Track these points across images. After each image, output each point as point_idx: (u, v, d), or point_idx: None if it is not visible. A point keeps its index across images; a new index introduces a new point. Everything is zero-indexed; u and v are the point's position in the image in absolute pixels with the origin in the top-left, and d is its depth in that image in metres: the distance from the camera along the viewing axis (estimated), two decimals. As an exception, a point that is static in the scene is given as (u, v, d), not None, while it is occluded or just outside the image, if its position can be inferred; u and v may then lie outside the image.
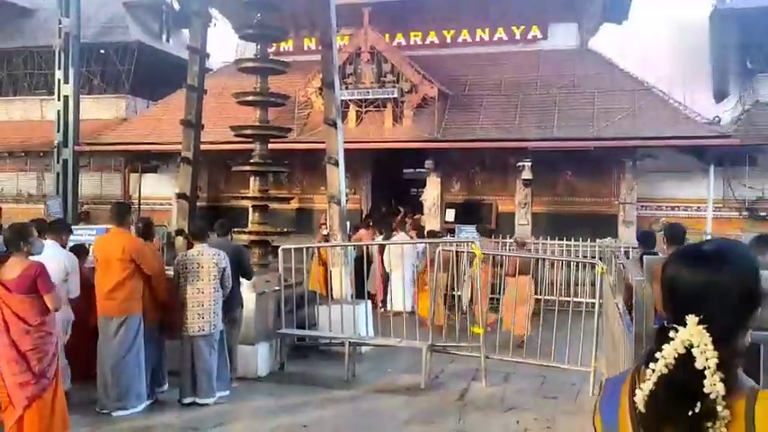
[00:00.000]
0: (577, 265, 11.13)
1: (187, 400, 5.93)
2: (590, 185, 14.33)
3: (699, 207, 13.97)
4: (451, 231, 13.96)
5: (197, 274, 6.00)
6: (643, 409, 1.26)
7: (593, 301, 7.17)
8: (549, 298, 9.11)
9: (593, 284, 8.16)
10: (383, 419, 5.94)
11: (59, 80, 16.05)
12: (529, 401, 6.35)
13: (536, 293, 9.50)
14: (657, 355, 1.25)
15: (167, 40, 21.15)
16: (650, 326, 2.66)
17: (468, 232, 13.23)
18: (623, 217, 13.84)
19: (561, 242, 12.17)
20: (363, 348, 7.97)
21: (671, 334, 1.25)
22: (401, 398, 6.50)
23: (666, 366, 1.23)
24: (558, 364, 6.89)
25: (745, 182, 13.62)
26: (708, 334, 1.22)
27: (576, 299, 9.49)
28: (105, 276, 5.76)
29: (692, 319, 1.23)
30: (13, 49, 19.52)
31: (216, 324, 6.03)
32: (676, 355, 1.22)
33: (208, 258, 6.07)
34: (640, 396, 1.26)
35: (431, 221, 14.54)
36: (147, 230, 6.31)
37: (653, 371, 1.25)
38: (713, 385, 1.19)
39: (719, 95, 16.73)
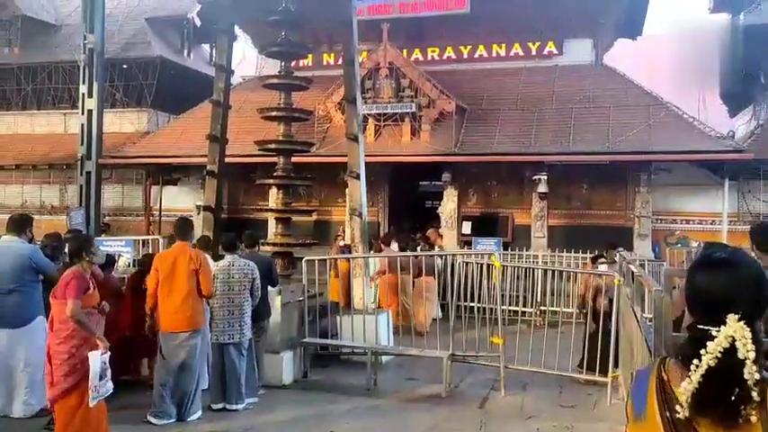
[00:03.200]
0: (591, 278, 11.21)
1: (217, 406, 6.13)
2: (605, 199, 14.47)
3: (713, 221, 14.06)
4: (468, 244, 14.15)
5: (228, 284, 6.22)
6: (687, 401, 1.45)
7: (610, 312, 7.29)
8: (566, 310, 9.25)
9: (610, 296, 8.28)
10: (407, 427, 6.10)
11: (83, 94, 16.44)
12: (548, 410, 6.48)
13: (553, 306, 9.66)
14: (702, 351, 1.44)
15: (188, 55, 21.60)
16: (669, 334, 2.83)
17: (486, 244, 13.42)
18: (638, 230, 13.95)
19: (577, 255, 12.29)
20: (384, 357, 8.15)
21: (713, 332, 1.44)
22: (423, 406, 6.66)
23: (713, 360, 1.43)
24: (575, 374, 7.03)
25: (760, 196, 13.70)
26: (748, 329, 1.42)
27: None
28: (172, 291, 5.79)
29: (732, 317, 1.43)
30: (39, 64, 20.02)
31: (245, 332, 6.24)
32: (721, 350, 1.42)
33: (239, 269, 6.29)
34: (688, 388, 1.45)
35: (448, 234, 14.72)
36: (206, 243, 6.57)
37: (697, 366, 1.44)
38: (751, 373, 1.39)
39: (734, 110, 16.84)
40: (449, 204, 15.03)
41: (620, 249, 8.63)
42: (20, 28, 20.49)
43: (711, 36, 18.57)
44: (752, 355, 1.40)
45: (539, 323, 9.88)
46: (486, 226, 14.72)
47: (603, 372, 6.75)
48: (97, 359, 4.54)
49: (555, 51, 16.20)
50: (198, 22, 20.88)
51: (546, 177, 13.84)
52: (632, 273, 5.57)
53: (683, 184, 14.08)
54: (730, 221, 14.02)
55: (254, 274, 6.37)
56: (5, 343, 5.57)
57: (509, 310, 9.78)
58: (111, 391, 4.76)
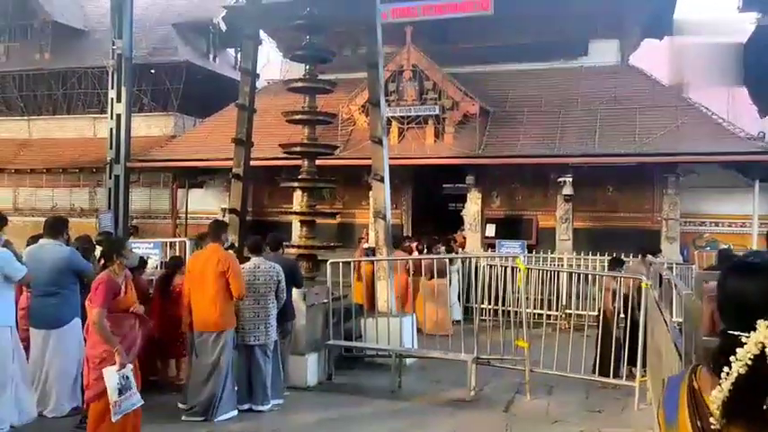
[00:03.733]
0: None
1: (243, 407, 6.19)
2: (632, 201, 14.30)
3: (744, 223, 13.80)
4: (492, 246, 14.08)
5: (254, 286, 6.28)
6: (719, 409, 1.43)
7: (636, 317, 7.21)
8: (592, 313, 9.17)
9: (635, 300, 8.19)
10: (431, 431, 6.09)
11: (112, 99, 16.68)
12: (574, 415, 6.43)
13: (579, 309, 9.57)
14: (732, 358, 1.43)
15: (214, 60, 21.87)
16: (700, 338, 2.79)
17: (510, 247, 13.35)
18: (666, 233, 13.76)
19: (603, 258, 12.15)
20: (408, 360, 8.15)
21: (743, 339, 1.42)
22: (447, 410, 6.64)
23: (743, 367, 1.41)
24: (602, 378, 6.96)
25: (792, 198, 13.44)
26: None
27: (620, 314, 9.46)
28: (201, 292, 5.94)
29: (763, 323, 1.41)
30: (69, 70, 20.42)
31: (271, 334, 6.29)
32: (751, 356, 1.40)
33: (264, 271, 6.35)
34: (718, 396, 1.43)
35: (471, 237, 14.68)
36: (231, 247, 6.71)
37: (728, 373, 1.42)
38: None
39: (764, 110, 16.53)
40: (472, 207, 14.98)
41: (659, 255, 8.54)
42: (50, 34, 20.94)
43: (740, 35, 18.24)
44: None
45: (564, 326, 9.81)
46: (510, 228, 14.64)
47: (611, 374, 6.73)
48: (113, 375, 4.54)
49: (580, 52, 16.04)
50: (223, 27, 21.13)
51: (571, 179, 13.72)
52: (661, 276, 5.50)
53: (712, 185, 13.85)
54: (761, 224, 13.73)
55: (279, 276, 6.42)
56: (42, 343, 5.69)
57: (534, 314, 9.73)
58: (139, 404, 4.73)
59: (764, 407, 1.38)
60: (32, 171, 19.73)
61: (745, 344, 1.40)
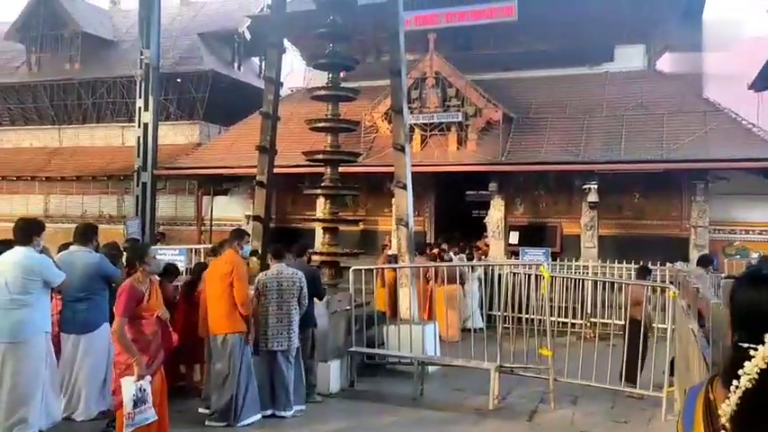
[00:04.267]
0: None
1: (266, 412, 6.22)
2: (659, 208, 14.09)
3: (775, 231, 13.51)
4: (516, 254, 13.98)
5: (277, 292, 6.32)
6: (728, 423, 1.40)
7: (664, 326, 7.11)
8: (617, 322, 9.03)
9: (663, 309, 8.06)
10: (454, 438, 6.05)
11: (140, 108, 16.94)
12: (599, 425, 6.33)
13: (604, 318, 9.44)
14: (740, 371, 1.39)
15: (239, 68, 22.13)
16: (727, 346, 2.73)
17: (534, 255, 13.24)
18: (695, 240, 13.52)
19: (630, 266, 11.99)
20: (430, 368, 8.11)
21: (751, 352, 1.39)
22: (470, 418, 6.59)
23: (750, 381, 1.37)
24: (628, 388, 6.84)
25: (825, 205, 13.11)
26: None
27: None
28: (210, 296, 6.13)
29: None
30: (98, 79, 20.81)
31: (293, 340, 6.32)
32: (759, 370, 1.36)
33: (287, 277, 6.40)
34: (726, 410, 1.40)
35: (495, 244, 14.59)
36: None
37: (737, 387, 1.39)
38: None
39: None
40: (496, 214, 14.89)
41: (711, 268, 8.42)
42: (80, 45, 21.38)
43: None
44: None
45: (589, 335, 9.67)
46: (533, 236, 14.52)
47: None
48: (130, 386, 4.56)
49: (605, 58, 15.89)
50: (248, 36, 21.38)
51: (596, 186, 13.57)
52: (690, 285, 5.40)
53: (742, 192, 13.57)
54: (793, 231, 13.46)
55: (302, 282, 6.47)
56: (72, 348, 5.79)
57: (558, 322, 9.62)
58: (153, 419, 4.69)
59: None
60: (63, 179, 20.12)
61: (754, 357, 1.37)
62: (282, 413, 6.23)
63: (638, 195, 14.17)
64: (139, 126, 16.90)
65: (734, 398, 1.37)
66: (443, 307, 9.75)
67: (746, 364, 1.37)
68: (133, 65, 17.87)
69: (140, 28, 17.15)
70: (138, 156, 16.86)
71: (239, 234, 6.48)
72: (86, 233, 6.01)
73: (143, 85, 16.89)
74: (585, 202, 13.97)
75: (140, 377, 4.61)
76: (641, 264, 11.87)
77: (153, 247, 9.77)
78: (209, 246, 10.72)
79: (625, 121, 14.06)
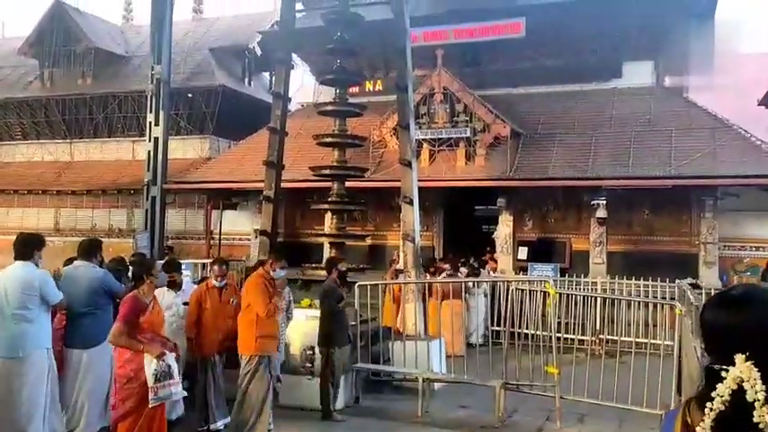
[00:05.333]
0: (655, 306, 10.86)
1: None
2: (668, 224, 14.02)
3: (786, 248, 13.39)
4: (524, 270, 13.92)
5: None
6: None
7: (671, 343, 7.03)
8: (625, 339, 8.96)
9: (671, 326, 7.99)
10: (457, 456, 6.00)
11: (150, 123, 17.09)
12: (606, 444, 6.26)
13: (611, 334, 9.36)
14: (713, 393, 1.38)
15: (249, 84, 22.30)
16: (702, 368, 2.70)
17: (542, 270, 13.18)
18: (704, 257, 13.42)
19: (638, 282, 11.91)
20: (436, 385, 8.05)
21: (722, 374, 1.38)
22: (475, 435, 6.54)
23: (723, 403, 1.36)
24: (635, 407, 6.76)
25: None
26: (756, 369, 1.35)
27: (653, 341, 9.26)
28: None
29: (740, 357, 1.37)
30: (110, 94, 21.06)
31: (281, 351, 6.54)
32: (730, 392, 1.35)
33: None
34: None
35: (503, 259, 14.54)
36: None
37: (711, 409, 1.38)
38: (762, 416, 1.32)
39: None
40: (504, 229, 14.86)
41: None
42: (92, 60, 21.66)
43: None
44: (761, 396, 1.33)
45: (597, 352, 9.59)
46: (542, 251, 14.46)
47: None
48: (151, 362, 4.65)
49: (613, 74, 15.89)
50: (259, 52, 21.57)
51: (605, 202, 13.52)
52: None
53: (752, 209, 13.48)
54: (804, 249, 13.33)
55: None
56: (76, 362, 5.79)
57: (566, 339, 9.55)
58: (181, 395, 4.90)
59: None
60: (73, 192, 20.31)
61: (725, 378, 1.36)
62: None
63: (647, 211, 14.11)
64: (150, 140, 17.05)
65: (708, 420, 1.36)
66: (447, 322, 9.69)
67: (719, 385, 1.37)
68: (144, 80, 18.08)
69: (152, 43, 17.38)
70: (148, 170, 17.00)
71: (272, 254, 6.42)
72: (90, 248, 6.04)
73: (154, 99, 17.06)
74: (594, 217, 13.91)
75: (159, 355, 4.66)
76: (651, 279, 11.85)
77: (159, 261, 9.77)
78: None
79: (633, 137, 14.03)
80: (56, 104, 21.76)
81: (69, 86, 21.65)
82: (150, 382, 4.63)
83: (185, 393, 4.95)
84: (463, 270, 11.94)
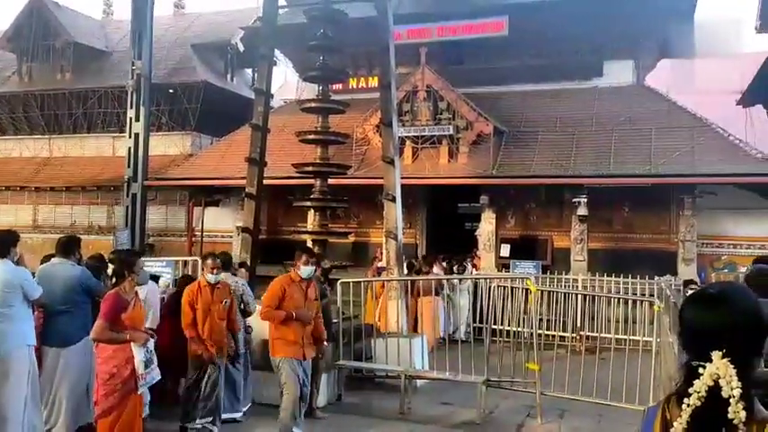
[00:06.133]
0: (634, 303, 10.98)
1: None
2: (648, 222, 14.18)
3: (762, 245, 13.59)
4: (507, 267, 14.01)
5: None
6: None
7: (650, 339, 7.12)
8: (605, 336, 9.05)
9: (651, 323, 8.08)
10: (439, 452, 6.03)
11: (131, 118, 16.90)
12: (586, 440, 6.32)
13: (592, 331, 9.46)
14: (690, 390, 1.41)
15: (231, 80, 22.16)
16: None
17: (524, 268, 13.27)
18: (683, 254, 13.60)
19: (618, 279, 12.04)
20: (418, 382, 8.08)
21: (699, 370, 1.40)
22: (456, 432, 6.57)
23: (699, 399, 1.39)
24: (615, 402, 6.84)
25: (811, 219, 13.22)
26: (732, 366, 1.37)
27: (633, 337, 9.36)
28: None
29: (716, 354, 1.39)
30: (89, 89, 20.80)
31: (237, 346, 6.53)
32: (707, 388, 1.38)
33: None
34: (678, 428, 1.41)
35: (486, 257, 14.61)
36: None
37: (688, 405, 1.40)
38: (736, 412, 1.35)
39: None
40: (487, 227, 14.93)
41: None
42: (72, 55, 21.36)
43: (760, 56, 18.12)
44: (737, 393, 1.36)
45: (578, 349, 9.68)
46: (524, 249, 14.56)
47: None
48: (139, 350, 4.77)
49: (594, 73, 16.03)
50: (241, 48, 21.42)
51: (586, 200, 13.64)
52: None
53: (729, 207, 13.68)
54: (779, 246, 13.55)
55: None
56: (53, 361, 5.73)
57: (547, 335, 9.62)
58: (158, 378, 5.06)
59: None
60: (52, 189, 20.05)
61: (702, 375, 1.39)
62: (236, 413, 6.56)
63: (627, 209, 14.26)
64: (130, 136, 16.86)
65: (684, 416, 1.39)
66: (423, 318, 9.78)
67: (695, 382, 1.39)
68: (125, 75, 17.85)
69: (132, 38, 17.15)
70: (129, 166, 16.80)
71: (297, 254, 6.13)
72: (68, 245, 5.96)
73: (134, 95, 16.86)
74: (575, 215, 14.03)
75: (144, 341, 4.81)
76: (631, 276, 11.97)
77: (141, 258, 9.67)
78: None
79: (614, 136, 14.16)
80: (34, 99, 21.46)
81: (48, 81, 21.35)
82: (141, 369, 4.75)
83: (160, 376, 5.12)
84: (439, 267, 12.01)
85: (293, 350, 5.78)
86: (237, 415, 6.61)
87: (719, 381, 1.37)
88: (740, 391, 1.36)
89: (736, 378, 1.37)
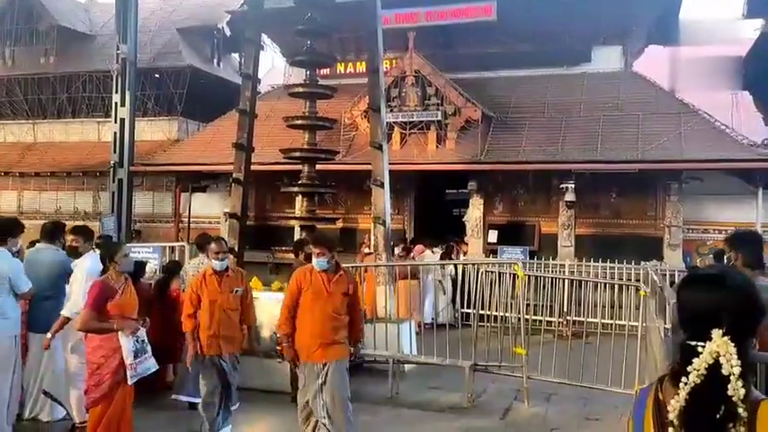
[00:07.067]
0: (621, 288, 11.07)
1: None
2: (635, 208, 14.26)
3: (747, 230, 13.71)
4: (494, 252, 14.06)
5: None
6: (676, 420, 1.43)
7: (636, 324, 7.18)
8: (591, 320, 9.13)
9: (637, 307, 8.16)
10: (427, 437, 6.07)
11: (116, 103, 16.77)
12: (572, 423, 6.39)
13: (578, 316, 9.53)
14: (689, 368, 1.42)
15: (218, 65, 21.94)
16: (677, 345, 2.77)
17: (512, 253, 13.33)
18: (669, 240, 13.70)
19: (605, 264, 12.12)
20: (406, 366, 8.12)
21: (698, 349, 1.42)
22: (445, 416, 6.61)
23: (698, 377, 1.40)
24: (601, 386, 6.91)
25: (796, 205, 13.36)
26: (732, 344, 1.39)
27: (619, 321, 9.45)
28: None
29: (717, 332, 1.41)
30: (74, 74, 20.50)
31: None
32: (706, 366, 1.39)
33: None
34: (675, 406, 1.42)
35: (474, 242, 14.65)
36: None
37: (685, 383, 1.41)
38: (736, 390, 1.36)
39: (769, 117, 16.44)
40: (475, 212, 14.96)
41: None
42: (56, 38, 21.02)
43: (746, 42, 18.20)
44: (737, 370, 1.37)
45: (564, 333, 9.76)
46: (512, 234, 14.61)
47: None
48: (127, 340, 4.67)
49: (583, 58, 16.03)
50: (228, 32, 21.21)
51: (573, 186, 13.69)
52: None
53: (715, 193, 13.79)
54: (764, 231, 13.63)
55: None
56: (38, 347, 5.70)
57: (534, 320, 9.69)
58: (154, 368, 4.91)
59: (717, 416, 1.37)
60: (37, 174, 19.83)
61: (701, 353, 1.40)
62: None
63: (614, 195, 14.33)
64: (116, 121, 16.74)
65: (682, 394, 1.40)
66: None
67: (695, 360, 1.40)
68: (110, 59, 17.67)
69: (117, 22, 16.98)
70: (115, 151, 16.71)
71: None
72: (53, 231, 5.92)
73: (120, 79, 16.72)
74: (563, 201, 14.08)
75: (133, 331, 4.69)
76: (618, 261, 12.06)
77: (127, 245, 9.62)
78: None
79: (602, 122, 14.20)
80: (18, 84, 21.13)
81: (32, 65, 21.02)
82: (129, 359, 4.65)
83: (157, 366, 4.97)
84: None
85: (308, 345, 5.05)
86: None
87: (720, 359, 1.39)
88: (740, 369, 1.37)
89: (736, 356, 1.38)
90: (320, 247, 5.05)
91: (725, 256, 4.07)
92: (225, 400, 5.44)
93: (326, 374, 4.94)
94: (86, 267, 5.40)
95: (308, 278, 5.04)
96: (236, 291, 5.49)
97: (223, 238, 6.00)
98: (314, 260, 5.09)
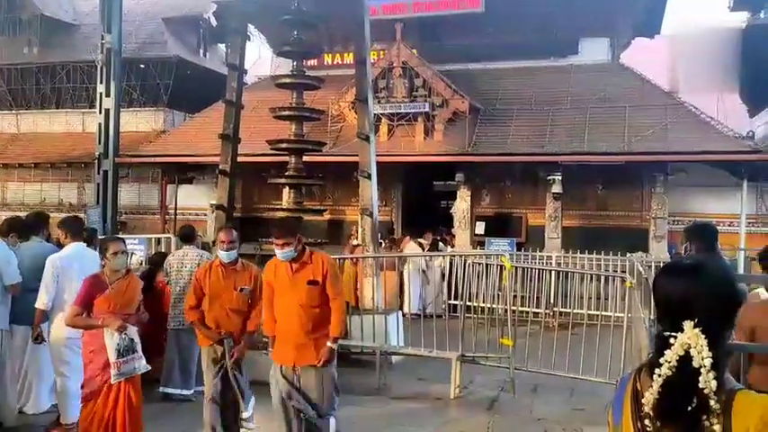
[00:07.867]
0: (607, 279, 11.14)
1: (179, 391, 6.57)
2: (621, 200, 14.34)
3: (732, 222, 13.86)
4: (481, 244, 14.10)
5: (178, 272, 6.58)
6: (650, 411, 1.43)
7: (621, 315, 7.23)
8: (578, 311, 9.17)
9: (622, 298, 8.21)
10: (414, 428, 6.09)
11: (101, 94, 16.54)
12: (557, 413, 6.44)
13: (565, 307, 9.58)
14: (661, 360, 1.42)
15: (204, 55, 21.77)
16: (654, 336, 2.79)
17: (499, 245, 13.38)
18: (654, 231, 13.80)
19: (591, 256, 12.19)
20: (394, 358, 8.13)
21: (671, 340, 1.41)
22: (431, 407, 6.65)
23: (670, 369, 1.40)
24: (586, 376, 6.96)
25: (779, 197, 13.51)
26: (703, 336, 1.39)
27: (605, 312, 9.52)
28: None
29: (688, 324, 1.40)
30: (58, 64, 20.27)
31: None
32: (677, 358, 1.39)
33: (191, 259, 6.58)
34: (649, 398, 1.42)
35: (461, 234, 14.69)
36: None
37: (659, 375, 1.41)
38: (707, 382, 1.36)
39: (754, 110, 16.58)
40: (462, 204, 14.98)
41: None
42: (39, 27, 20.76)
43: (731, 35, 18.31)
44: (707, 362, 1.37)
45: (551, 325, 9.82)
46: (499, 226, 14.65)
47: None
48: (111, 337, 4.46)
49: (570, 50, 16.05)
50: (214, 23, 21.03)
51: (560, 178, 13.73)
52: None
53: (700, 185, 13.90)
54: (749, 223, 13.83)
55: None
56: (22, 339, 5.66)
57: (521, 311, 9.73)
58: (144, 369, 4.65)
59: (689, 408, 1.37)
60: (21, 165, 19.62)
61: (674, 345, 1.40)
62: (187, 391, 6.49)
63: (600, 187, 14.39)
64: (100, 112, 16.53)
65: (656, 386, 1.40)
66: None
67: (666, 352, 1.40)
68: (94, 49, 17.45)
69: (102, 11, 16.74)
70: (100, 143, 16.50)
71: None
72: (36, 223, 5.86)
73: (104, 70, 16.49)
74: (550, 193, 14.12)
75: (120, 328, 4.46)
76: (604, 253, 12.13)
77: (119, 240, 9.52)
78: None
79: (589, 114, 14.24)
80: (1, 74, 20.85)
81: (15, 55, 20.72)
82: (113, 357, 4.44)
83: (149, 368, 4.72)
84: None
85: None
86: (189, 392, 6.50)
87: (690, 351, 1.39)
88: (711, 360, 1.37)
89: (707, 348, 1.38)
90: (283, 237, 4.38)
91: (682, 246, 4.23)
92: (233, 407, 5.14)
93: (299, 379, 4.50)
94: (53, 259, 5.30)
95: (273, 271, 4.57)
96: (243, 290, 4.96)
97: (233, 226, 5.53)
98: (277, 252, 4.46)
